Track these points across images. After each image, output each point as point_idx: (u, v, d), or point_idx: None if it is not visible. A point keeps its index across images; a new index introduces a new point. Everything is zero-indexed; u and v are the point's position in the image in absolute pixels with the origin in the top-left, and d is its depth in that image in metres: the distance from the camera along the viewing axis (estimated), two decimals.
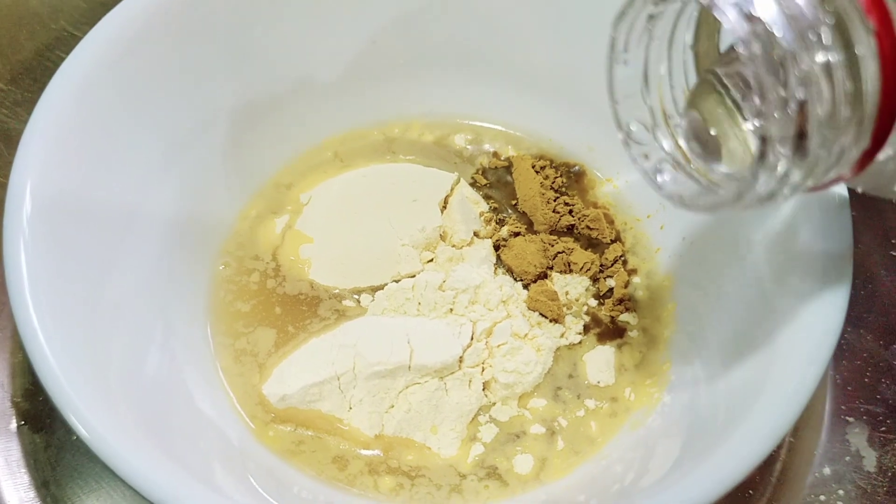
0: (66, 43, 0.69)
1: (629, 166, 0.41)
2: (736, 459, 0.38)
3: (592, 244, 0.59)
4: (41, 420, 0.55)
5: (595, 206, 0.61)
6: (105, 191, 0.47)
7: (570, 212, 0.59)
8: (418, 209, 0.59)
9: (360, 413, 0.51)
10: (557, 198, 0.60)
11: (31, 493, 0.52)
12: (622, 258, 0.58)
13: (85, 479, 0.53)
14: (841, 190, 0.44)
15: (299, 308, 0.56)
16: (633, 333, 0.55)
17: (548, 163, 0.62)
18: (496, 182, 0.62)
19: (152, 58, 0.50)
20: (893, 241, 0.60)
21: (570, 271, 0.58)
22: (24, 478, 0.53)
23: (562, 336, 0.55)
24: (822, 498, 0.53)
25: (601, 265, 0.58)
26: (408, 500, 0.49)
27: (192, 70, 0.52)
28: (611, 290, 0.57)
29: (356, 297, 0.56)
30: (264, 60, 0.56)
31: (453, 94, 0.62)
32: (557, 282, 0.57)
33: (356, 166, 0.63)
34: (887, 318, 0.58)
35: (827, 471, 0.53)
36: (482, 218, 0.60)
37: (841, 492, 0.53)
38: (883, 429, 0.54)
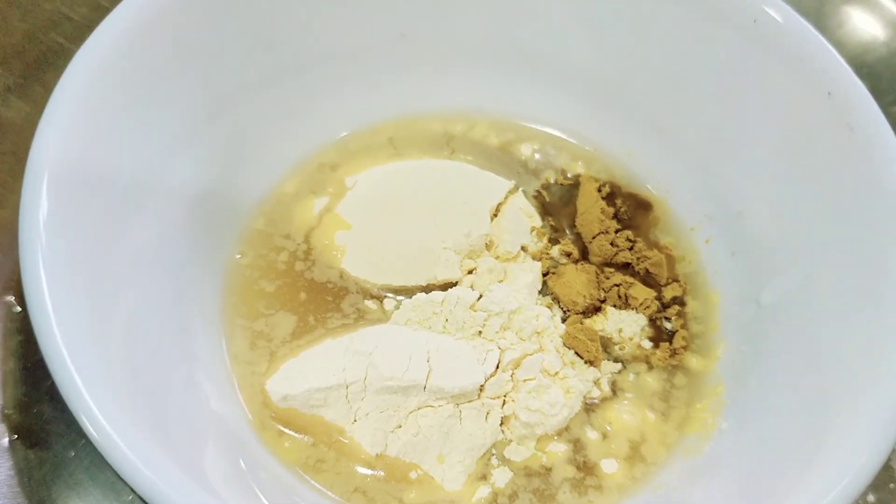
0: (60, 26, 0.64)
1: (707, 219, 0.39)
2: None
3: (648, 283, 0.55)
4: (35, 435, 0.51)
5: (658, 246, 0.57)
6: (128, 164, 0.45)
7: (631, 248, 0.56)
8: (467, 212, 0.56)
9: (364, 427, 0.48)
10: (619, 230, 0.57)
11: None
12: (681, 300, 0.55)
13: (84, 499, 0.49)
14: None
15: (324, 297, 0.53)
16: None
17: (617, 189, 0.59)
18: (559, 201, 0.59)
19: (185, 27, 0.48)
20: None
21: (628, 306, 0.54)
22: (17, 498, 0.49)
23: (595, 383, 0.51)
24: None
25: (661, 303, 0.55)
26: None
27: (224, 40, 0.50)
28: (668, 333, 0.54)
29: (383, 297, 0.53)
30: (310, 30, 0.54)
31: (525, 96, 0.60)
32: (612, 317, 0.54)
33: (409, 157, 0.60)
34: None
35: (871, 498, 0.52)
36: (534, 233, 0.57)
37: None
38: None
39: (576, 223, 0.57)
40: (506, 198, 0.57)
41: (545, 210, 0.58)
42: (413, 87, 0.59)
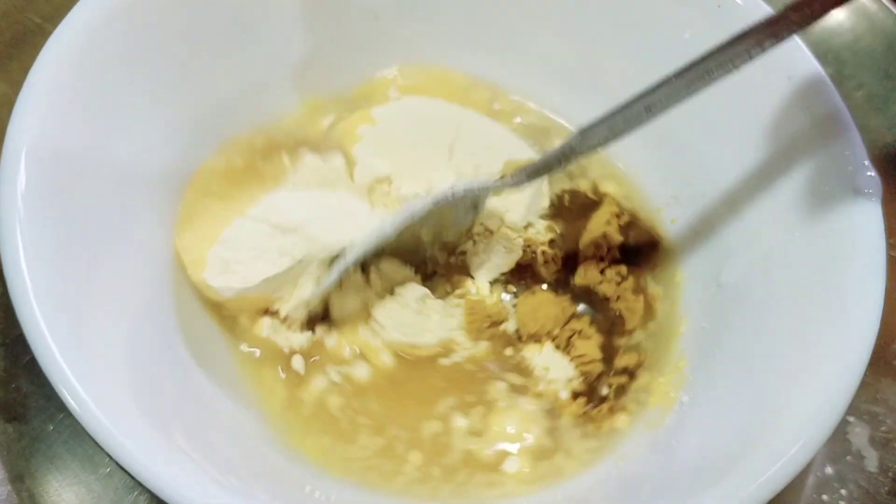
0: (36, 5, 0.64)
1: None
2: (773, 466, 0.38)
3: (612, 330, 0.54)
4: (14, 409, 0.51)
5: (644, 293, 0.55)
6: (105, 140, 0.45)
7: (618, 284, 0.55)
8: (485, 158, 0.57)
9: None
10: (616, 261, 0.56)
11: (6, 488, 0.49)
12: (632, 372, 0.53)
13: (63, 472, 0.50)
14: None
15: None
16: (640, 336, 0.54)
17: (635, 220, 0.58)
18: (573, 213, 0.58)
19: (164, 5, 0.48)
20: (891, 241, 0.60)
21: (567, 353, 0.53)
22: None
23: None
24: (825, 498, 0.52)
25: (606, 369, 0.53)
26: None
27: (204, 18, 0.51)
28: (600, 398, 0.51)
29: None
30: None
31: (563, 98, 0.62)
32: (545, 353, 0.53)
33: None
34: (887, 318, 0.58)
35: (829, 470, 0.53)
36: (545, 222, 0.57)
37: (843, 491, 0.53)
38: (884, 428, 0.55)
39: (579, 241, 0.57)
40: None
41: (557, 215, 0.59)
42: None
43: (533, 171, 0.51)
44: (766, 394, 0.43)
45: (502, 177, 0.55)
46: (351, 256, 0.50)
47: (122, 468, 0.36)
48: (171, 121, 0.50)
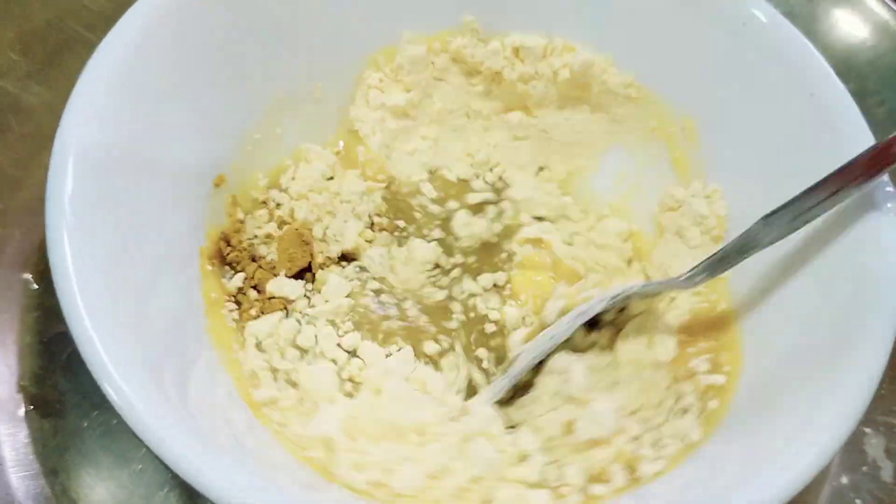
0: (79, 14, 0.66)
1: None
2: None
3: None
4: (50, 405, 0.53)
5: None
6: (152, 158, 0.46)
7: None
8: None
9: None
10: None
11: (40, 482, 0.50)
12: None
13: (96, 468, 0.51)
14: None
15: None
16: None
17: None
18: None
19: (210, 14, 0.50)
20: None
21: None
22: (32, 465, 0.51)
23: None
24: None
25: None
26: None
27: (247, 27, 0.52)
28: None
29: None
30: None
31: None
32: None
33: None
34: None
35: (844, 480, 0.54)
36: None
37: (858, 501, 0.53)
38: None
39: None
40: None
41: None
42: None
43: (712, 268, 0.49)
44: (788, 409, 0.43)
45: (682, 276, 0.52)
46: (524, 360, 0.51)
47: (161, 461, 0.37)
48: (212, 124, 0.52)
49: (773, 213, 0.45)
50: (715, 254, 0.48)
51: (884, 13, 0.71)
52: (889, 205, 0.44)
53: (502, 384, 0.51)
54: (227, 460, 0.38)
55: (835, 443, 0.39)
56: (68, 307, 0.38)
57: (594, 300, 0.51)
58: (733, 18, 0.50)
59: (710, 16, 0.51)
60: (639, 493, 0.44)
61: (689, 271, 0.50)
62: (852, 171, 0.43)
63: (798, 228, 0.45)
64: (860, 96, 0.53)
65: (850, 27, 0.71)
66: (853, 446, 0.55)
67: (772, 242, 0.46)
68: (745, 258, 0.47)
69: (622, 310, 0.53)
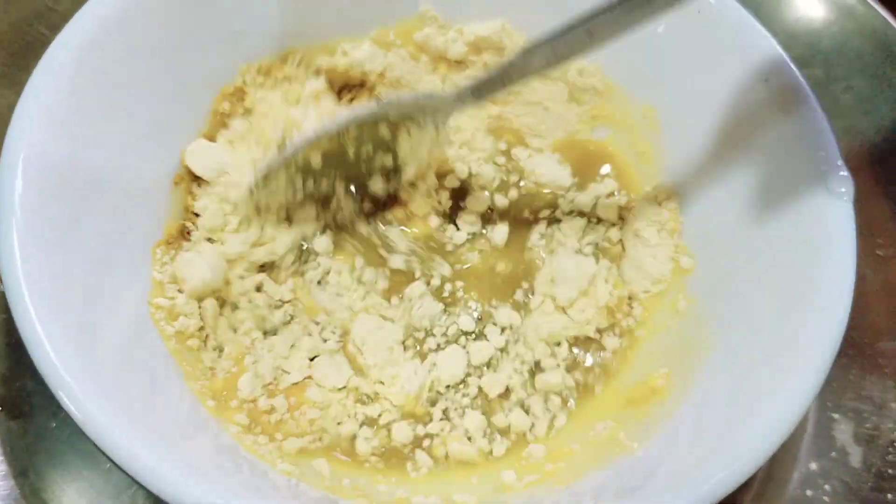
0: (44, 17, 0.66)
1: None
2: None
3: None
4: (18, 406, 0.53)
5: None
6: (96, 163, 0.46)
7: None
8: None
9: None
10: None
11: (9, 483, 0.51)
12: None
13: (65, 468, 0.51)
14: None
15: None
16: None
17: None
18: None
19: (150, 24, 0.50)
20: (879, 241, 0.61)
21: None
22: (0, 467, 0.51)
23: None
24: (809, 493, 0.53)
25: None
26: None
27: (189, 35, 0.52)
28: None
29: None
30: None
31: None
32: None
33: None
34: (873, 316, 0.59)
35: (813, 466, 0.54)
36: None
37: (827, 487, 0.53)
38: (868, 425, 0.55)
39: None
40: None
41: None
42: None
43: (477, 90, 0.51)
44: (742, 385, 0.44)
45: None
46: (293, 144, 0.51)
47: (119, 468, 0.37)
48: (164, 128, 0.52)
49: (534, 43, 0.46)
50: (482, 78, 0.50)
51: None
52: (842, 189, 0.44)
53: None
54: (183, 463, 0.38)
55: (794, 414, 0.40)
56: (19, 313, 0.39)
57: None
58: (687, 5, 0.50)
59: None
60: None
61: (457, 89, 0.51)
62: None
63: (562, 59, 0.46)
64: (825, 82, 0.53)
65: (816, 12, 0.70)
66: (822, 432, 0.55)
67: (537, 70, 0.48)
68: (511, 84, 0.49)
69: None
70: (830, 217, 0.44)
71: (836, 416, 0.56)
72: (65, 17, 0.63)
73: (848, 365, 0.57)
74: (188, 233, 0.53)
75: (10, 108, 0.61)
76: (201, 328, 0.50)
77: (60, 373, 0.38)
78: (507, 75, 0.49)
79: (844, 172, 0.44)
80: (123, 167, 0.48)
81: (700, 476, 0.39)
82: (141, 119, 0.49)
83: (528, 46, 0.47)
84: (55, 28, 0.64)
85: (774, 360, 0.42)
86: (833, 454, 0.54)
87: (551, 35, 0.46)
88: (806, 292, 0.43)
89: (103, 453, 0.37)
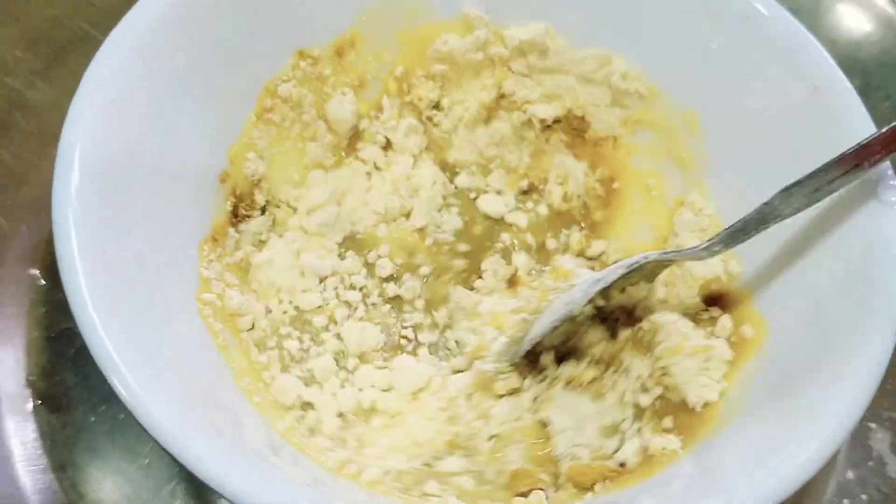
0: (83, 11, 0.67)
1: None
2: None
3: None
4: (58, 400, 0.53)
5: None
6: (149, 158, 0.46)
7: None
8: None
9: None
10: None
11: (48, 476, 0.51)
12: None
13: (104, 462, 0.52)
14: None
15: None
16: None
17: None
18: None
19: (198, 24, 0.50)
20: None
21: None
22: (40, 460, 0.51)
23: None
24: (846, 502, 0.53)
25: None
26: None
27: (236, 36, 0.52)
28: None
29: None
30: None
31: None
32: None
33: None
34: None
35: (850, 475, 0.54)
36: None
37: (864, 496, 0.53)
38: None
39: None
40: None
41: None
42: None
43: (730, 238, 0.48)
44: (792, 397, 0.43)
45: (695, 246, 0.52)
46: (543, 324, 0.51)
47: (168, 455, 0.37)
48: (212, 124, 0.52)
49: (794, 184, 0.45)
50: (733, 225, 0.48)
51: (888, 8, 0.70)
52: (893, 198, 0.44)
53: (520, 346, 0.52)
54: (233, 453, 0.38)
55: (843, 430, 0.39)
56: (75, 300, 0.39)
57: (611, 267, 0.51)
58: (736, 12, 0.50)
59: (712, 9, 0.52)
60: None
61: (707, 241, 0.49)
62: (872, 146, 0.43)
63: (818, 200, 0.45)
64: (865, 91, 0.53)
65: (855, 22, 0.71)
66: (859, 441, 0.55)
67: (791, 214, 0.46)
68: (764, 229, 0.47)
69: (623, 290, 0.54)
70: (883, 226, 0.44)
71: (872, 425, 0.56)
72: (105, 13, 0.65)
73: (885, 374, 0.57)
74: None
75: (52, 102, 0.62)
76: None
77: (115, 360, 0.38)
78: (763, 219, 0.47)
79: (895, 181, 0.44)
80: (174, 162, 0.48)
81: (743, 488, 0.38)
82: (191, 116, 0.50)
83: (789, 185, 0.45)
84: (95, 24, 0.65)
85: (823, 375, 0.42)
86: (870, 463, 0.54)
87: (811, 173, 0.45)
88: (857, 302, 0.43)
89: (154, 440, 0.37)
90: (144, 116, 0.46)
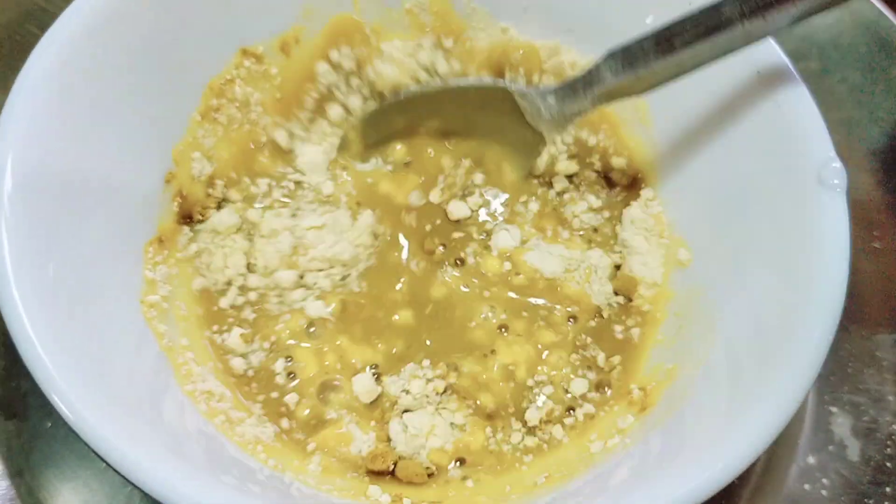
0: (36, 17, 0.66)
1: None
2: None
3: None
4: (13, 406, 0.53)
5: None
6: (86, 163, 0.46)
7: None
8: None
9: None
10: None
11: (5, 483, 0.51)
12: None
13: (61, 468, 0.52)
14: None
15: None
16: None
17: None
18: None
19: (134, 27, 0.49)
20: (875, 233, 0.61)
21: None
22: None
23: None
24: (807, 487, 0.53)
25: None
26: None
27: (175, 38, 0.52)
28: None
29: None
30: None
31: None
32: None
33: None
34: (870, 309, 0.59)
35: (811, 460, 0.54)
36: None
37: (825, 481, 0.53)
38: (866, 418, 0.55)
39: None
40: None
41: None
42: None
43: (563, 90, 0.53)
44: (740, 377, 0.44)
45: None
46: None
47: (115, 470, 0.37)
48: (155, 125, 0.52)
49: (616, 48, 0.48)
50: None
51: None
52: (835, 180, 0.44)
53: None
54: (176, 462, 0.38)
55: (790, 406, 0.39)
56: (8, 310, 0.39)
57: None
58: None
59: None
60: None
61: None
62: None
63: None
64: (821, 74, 0.53)
65: None
66: (820, 426, 0.55)
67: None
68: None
69: None
70: (823, 208, 0.43)
71: (833, 409, 0.55)
72: (56, 18, 0.64)
73: (845, 358, 0.57)
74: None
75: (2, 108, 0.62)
76: None
77: (51, 373, 0.38)
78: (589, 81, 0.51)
79: (837, 164, 0.44)
80: (113, 165, 0.48)
81: (700, 464, 0.38)
82: (131, 117, 0.49)
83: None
84: (47, 28, 0.64)
85: (770, 352, 0.42)
86: (831, 448, 0.54)
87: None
88: (799, 285, 0.42)
89: (96, 454, 0.37)
90: (80, 118, 0.46)
